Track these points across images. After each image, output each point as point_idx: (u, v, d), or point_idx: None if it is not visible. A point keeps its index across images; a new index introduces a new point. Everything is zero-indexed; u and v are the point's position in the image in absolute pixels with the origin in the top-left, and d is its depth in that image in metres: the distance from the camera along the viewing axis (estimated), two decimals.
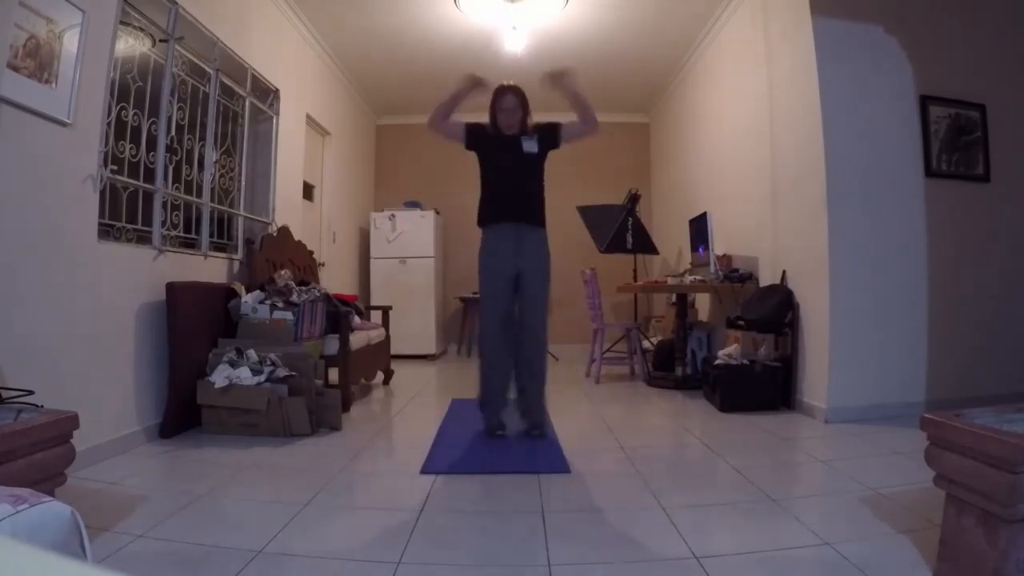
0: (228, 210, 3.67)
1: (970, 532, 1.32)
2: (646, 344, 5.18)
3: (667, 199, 6.32)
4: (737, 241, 4.31)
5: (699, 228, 4.54)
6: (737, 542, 1.70)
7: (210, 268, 3.36)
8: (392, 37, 4.89)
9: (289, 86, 4.35)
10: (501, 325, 2.88)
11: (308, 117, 4.84)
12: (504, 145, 2.92)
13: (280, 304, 3.33)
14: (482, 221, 2.95)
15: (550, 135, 2.95)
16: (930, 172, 3.29)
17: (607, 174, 6.69)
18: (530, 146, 2.90)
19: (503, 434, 2.87)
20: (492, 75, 6.01)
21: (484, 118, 2.99)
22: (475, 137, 2.97)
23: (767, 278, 3.82)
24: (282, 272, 3.66)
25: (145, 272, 2.78)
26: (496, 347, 2.88)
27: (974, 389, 3.14)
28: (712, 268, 4.17)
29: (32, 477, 1.39)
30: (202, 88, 3.32)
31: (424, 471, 2.33)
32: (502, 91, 2.94)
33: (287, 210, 4.37)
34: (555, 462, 2.45)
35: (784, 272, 3.61)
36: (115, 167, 2.61)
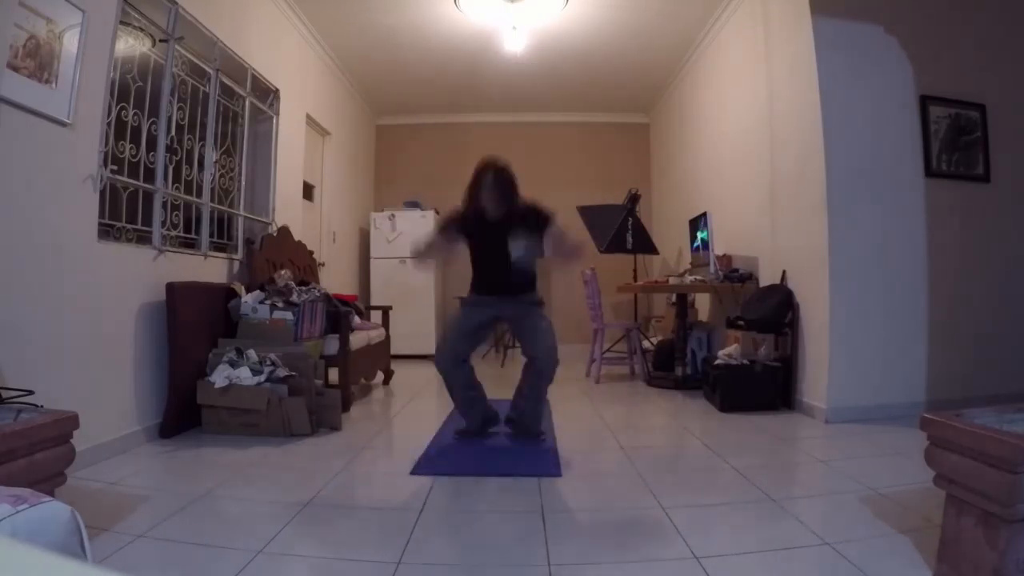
0: (228, 210, 3.67)
1: (970, 532, 1.32)
2: (646, 344, 5.18)
3: (667, 199, 6.32)
4: (737, 241, 4.31)
5: (699, 228, 4.54)
6: (737, 542, 1.70)
7: (210, 268, 3.36)
8: (392, 37, 4.89)
9: (289, 86, 4.35)
10: (455, 361, 2.75)
11: (308, 117, 4.84)
12: (489, 236, 2.71)
13: (280, 304, 3.33)
14: (472, 289, 2.87)
15: (537, 242, 2.69)
16: (930, 172, 3.29)
17: (607, 174, 6.69)
18: (518, 252, 2.69)
19: (479, 436, 2.83)
20: (492, 75, 6.01)
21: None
22: (459, 231, 2.79)
23: (767, 278, 3.81)
24: (282, 272, 3.66)
25: (145, 272, 2.78)
26: (450, 370, 2.75)
27: (974, 389, 3.14)
28: (712, 268, 4.17)
29: (32, 477, 1.39)
30: (202, 88, 3.32)
31: (414, 472, 2.33)
32: (483, 169, 2.68)
33: (287, 210, 4.36)
34: (546, 466, 2.42)
35: (784, 272, 3.61)
36: (115, 167, 2.61)
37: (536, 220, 2.69)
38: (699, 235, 4.55)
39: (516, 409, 2.86)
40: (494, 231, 2.70)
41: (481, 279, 2.86)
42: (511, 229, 2.69)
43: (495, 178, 2.66)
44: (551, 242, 2.68)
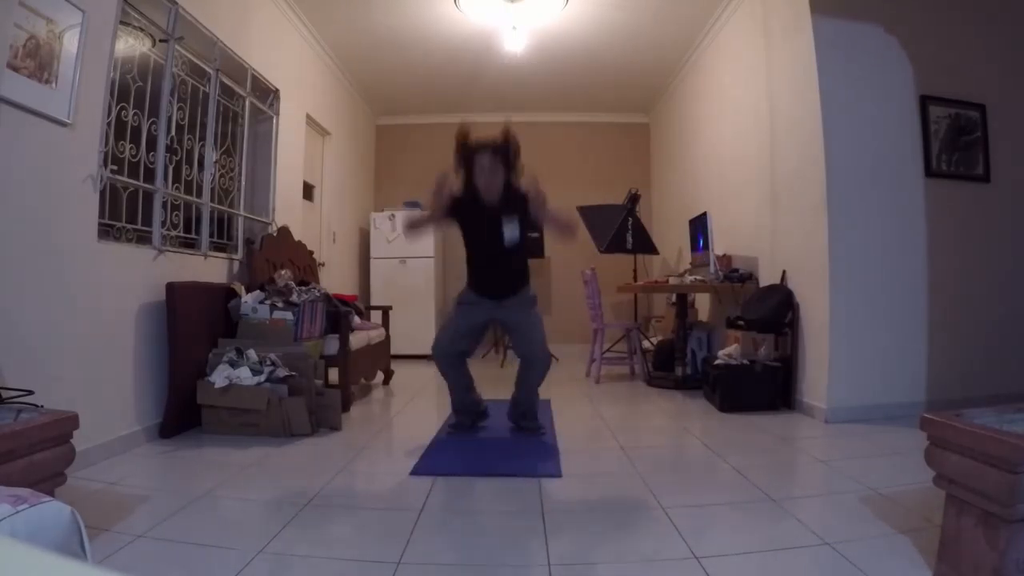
0: (228, 210, 3.67)
1: (970, 532, 1.32)
2: (646, 344, 5.18)
3: (667, 199, 6.32)
4: (737, 241, 4.31)
5: (699, 228, 4.54)
6: (737, 542, 1.70)
7: (210, 268, 3.36)
8: (392, 37, 4.89)
9: (289, 86, 4.35)
10: (454, 355, 2.85)
11: (308, 117, 4.84)
12: (484, 221, 2.72)
13: (280, 304, 3.33)
14: (469, 286, 2.91)
15: (526, 213, 2.69)
16: (930, 172, 3.29)
17: (607, 174, 6.69)
18: (512, 235, 2.70)
19: (470, 430, 2.94)
20: (492, 75, 5.99)
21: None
22: (453, 212, 2.79)
23: (767, 278, 3.81)
24: (282, 272, 3.66)
25: (145, 272, 2.78)
26: (449, 363, 2.84)
27: (974, 389, 3.14)
28: (712, 268, 4.17)
29: (32, 477, 1.39)
30: (202, 88, 3.32)
31: (414, 472, 2.33)
32: (479, 149, 2.62)
33: (287, 210, 4.36)
34: (546, 466, 2.42)
35: (784, 272, 3.61)
36: (115, 167, 2.61)
37: (527, 208, 2.67)
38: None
39: (514, 404, 2.97)
40: (489, 220, 2.71)
41: (478, 274, 2.89)
42: (506, 212, 2.68)
43: (491, 162, 2.60)
44: (547, 218, 2.68)
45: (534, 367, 2.85)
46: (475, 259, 2.88)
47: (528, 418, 2.95)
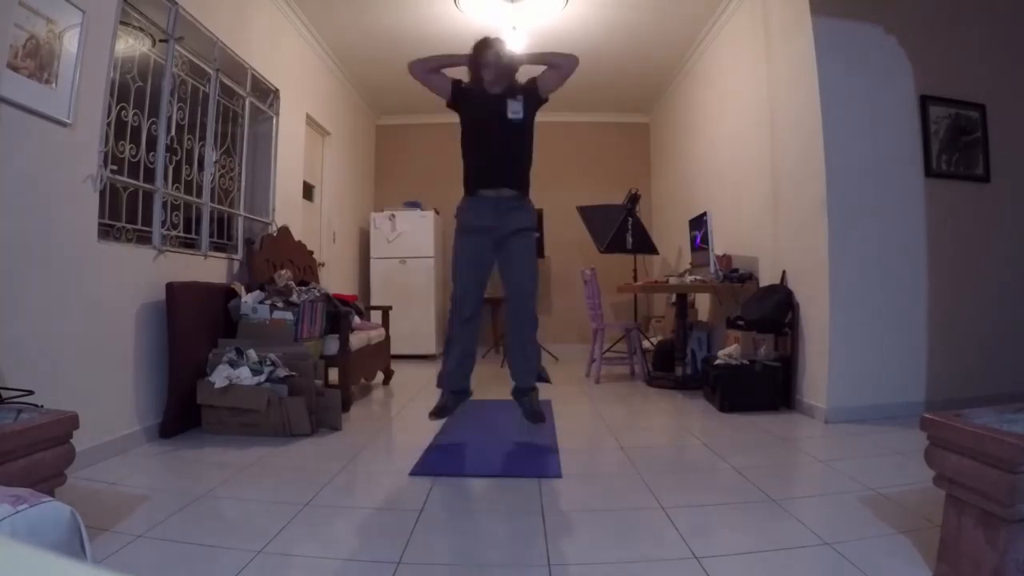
0: (228, 210, 3.67)
1: (970, 532, 1.32)
2: (646, 344, 5.18)
3: (667, 199, 6.32)
4: (737, 241, 4.31)
5: (699, 228, 4.54)
6: (737, 542, 1.70)
7: (210, 268, 3.36)
8: (392, 37, 4.88)
9: (289, 86, 4.35)
10: (474, 299, 2.70)
11: (308, 117, 4.84)
12: (488, 105, 2.70)
13: (280, 304, 3.33)
14: (466, 191, 2.76)
15: (532, 92, 2.76)
16: (930, 172, 3.29)
17: (607, 174, 6.69)
18: (516, 111, 2.67)
19: (445, 416, 2.76)
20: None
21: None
22: (460, 94, 2.76)
23: (767, 278, 3.81)
24: (282, 272, 3.66)
25: (145, 272, 2.78)
26: (465, 323, 2.70)
27: (974, 389, 3.14)
28: (712, 268, 4.17)
29: (32, 477, 1.39)
30: (202, 88, 3.32)
31: (414, 472, 2.33)
32: (484, 44, 2.70)
33: (287, 210, 4.36)
34: (546, 466, 2.42)
35: (784, 272, 3.61)
36: (115, 167, 2.61)
37: (529, 88, 2.78)
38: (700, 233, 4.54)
39: (512, 373, 2.81)
40: (494, 104, 2.70)
41: (478, 165, 2.74)
42: (511, 95, 2.72)
43: (494, 49, 2.70)
44: (543, 78, 2.79)
45: (519, 312, 2.70)
46: (474, 146, 2.74)
47: (526, 380, 2.75)
